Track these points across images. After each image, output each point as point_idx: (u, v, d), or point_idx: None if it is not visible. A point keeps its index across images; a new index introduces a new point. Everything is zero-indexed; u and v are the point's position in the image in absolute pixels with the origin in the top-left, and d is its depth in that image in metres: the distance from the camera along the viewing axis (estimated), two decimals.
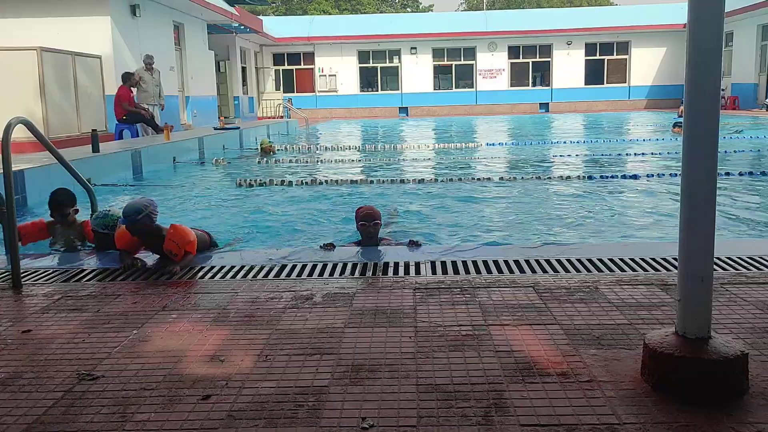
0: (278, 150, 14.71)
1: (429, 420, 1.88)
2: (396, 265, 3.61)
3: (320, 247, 4.13)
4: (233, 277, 3.50)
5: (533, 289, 3.12)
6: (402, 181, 8.65)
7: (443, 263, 3.61)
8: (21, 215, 5.96)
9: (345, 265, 3.63)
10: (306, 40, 31.06)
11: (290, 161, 11.93)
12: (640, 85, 31.18)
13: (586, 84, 31.42)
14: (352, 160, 12.03)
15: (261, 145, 12.96)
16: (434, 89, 31.91)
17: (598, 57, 31.47)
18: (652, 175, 8.70)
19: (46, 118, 11.93)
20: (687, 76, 2.00)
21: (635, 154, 11.83)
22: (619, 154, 12.04)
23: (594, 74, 31.51)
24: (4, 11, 14.40)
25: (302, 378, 2.19)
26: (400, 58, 31.68)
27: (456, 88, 32.03)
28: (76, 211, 4.71)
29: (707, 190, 2.01)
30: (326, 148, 15.24)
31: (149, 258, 3.98)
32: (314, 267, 3.62)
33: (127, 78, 13.12)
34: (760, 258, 3.54)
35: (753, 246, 3.93)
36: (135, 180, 9.45)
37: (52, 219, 4.70)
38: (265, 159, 11.95)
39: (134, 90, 13.39)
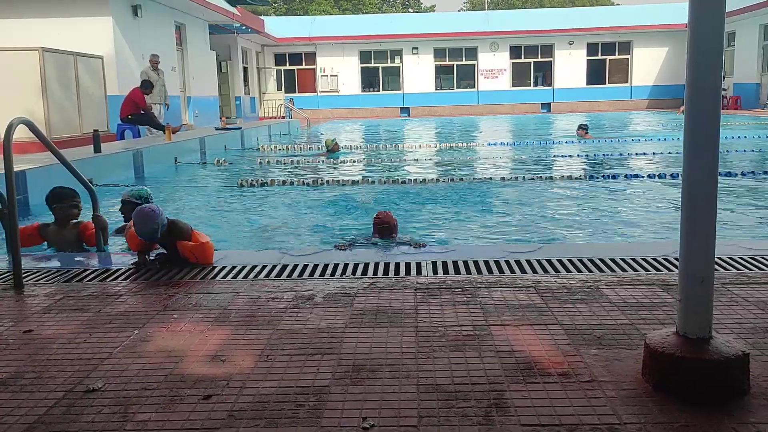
0: (279, 150, 14.74)
1: (430, 420, 1.88)
2: (397, 265, 3.61)
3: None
4: (234, 277, 3.50)
5: (534, 289, 3.12)
6: (403, 182, 8.65)
7: (444, 263, 3.60)
8: (23, 216, 5.96)
9: (346, 266, 3.63)
10: (307, 41, 31.06)
11: (291, 162, 11.94)
12: (641, 85, 31.17)
13: (587, 84, 31.41)
14: (354, 161, 12.03)
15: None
16: (436, 89, 31.90)
17: (599, 57, 31.45)
18: (654, 175, 8.70)
19: (47, 118, 11.95)
20: (688, 76, 1.99)
21: (636, 153, 11.83)
22: (621, 154, 12.04)
23: (596, 74, 31.50)
24: (5, 11, 14.42)
25: (303, 378, 2.19)
26: (401, 58, 31.68)
27: (457, 88, 32.02)
28: (79, 207, 4.70)
29: (708, 190, 2.01)
30: (319, 147, 15.23)
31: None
32: (315, 267, 3.62)
33: (147, 86, 13.25)
34: (762, 258, 3.53)
35: (754, 246, 3.93)
36: (137, 180, 9.46)
37: (45, 222, 4.70)
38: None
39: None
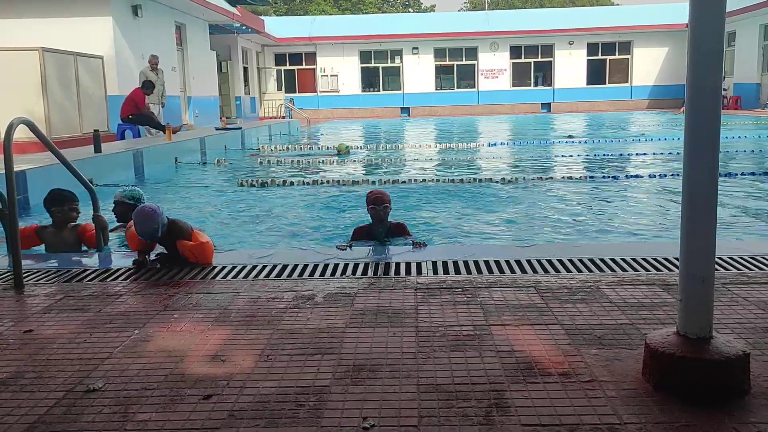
0: (280, 150, 14.74)
1: (430, 420, 1.88)
2: (397, 265, 3.61)
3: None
4: (235, 277, 3.51)
5: (535, 289, 3.12)
6: (404, 182, 8.65)
7: (444, 263, 3.61)
8: (23, 216, 5.96)
9: (346, 265, 3.63)
10: (308, 41, 31.07)
11: (292, 161, 11.93)
12: (642, 85, 31.18)
13: (588, 84, 31.42)
14: (354, 160, 12.04)
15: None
16: (436, 89, 31.91)
17: (600, 57, 31.46)
18: (654, 175, 8.69)
19: (48, 118, 11.96)
20: (688, 76, 1.99)
21: (637, 153, 11.83)
22: (621, 154, 12.04)
23: (596, 74, 31.50)
24: (6, 11, 14.42)
25: (303, 378, 2.19)
26: (401, 58, 31.68)
27: (458, 88, 32.03)
28: (78, 211, 4.69)
29: (708, 190, 2.01)
30: (328, 147, 15.24)
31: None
32: (315, 267, 3.62)
33: (149, 86, 13.30)
34: (762, 258, 3.53)
35: (755, 246, 3.93)
36: (137, 180, 9.46)
37: (44, 224, 4.68)
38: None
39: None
